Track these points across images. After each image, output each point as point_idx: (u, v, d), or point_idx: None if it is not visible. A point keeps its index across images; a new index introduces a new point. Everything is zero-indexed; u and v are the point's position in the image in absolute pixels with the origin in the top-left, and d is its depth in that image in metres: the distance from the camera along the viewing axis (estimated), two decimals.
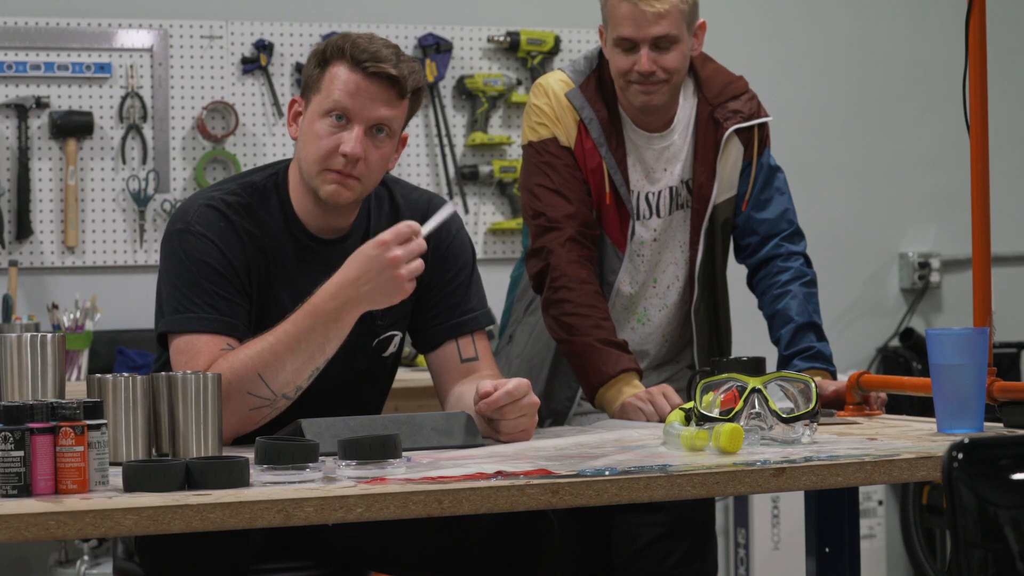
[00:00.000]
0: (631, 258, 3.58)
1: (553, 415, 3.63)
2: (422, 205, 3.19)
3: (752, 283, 3.66)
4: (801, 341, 3.52)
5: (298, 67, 5.59)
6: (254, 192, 3.10)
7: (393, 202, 3.19)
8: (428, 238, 3.03)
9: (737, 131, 3.58)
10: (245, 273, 3.04)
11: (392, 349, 3.20)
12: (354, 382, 3.15)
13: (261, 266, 3.06)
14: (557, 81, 3.59)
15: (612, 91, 3.54)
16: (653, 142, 3.57)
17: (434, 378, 3.24)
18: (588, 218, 3.52)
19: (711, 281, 3.63)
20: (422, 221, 3.01)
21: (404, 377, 5.07)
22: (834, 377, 3.50)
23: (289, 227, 3.09)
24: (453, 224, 3.21)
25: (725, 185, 3.60)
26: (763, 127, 3.63)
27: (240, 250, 3.04)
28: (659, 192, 3.58)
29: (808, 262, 3.64)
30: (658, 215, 3.58)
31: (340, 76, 3.01)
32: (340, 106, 3.00)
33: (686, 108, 3.59)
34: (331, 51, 3.04)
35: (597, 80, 3.55)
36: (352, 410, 3.03)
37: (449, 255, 3.20)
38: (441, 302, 3.20)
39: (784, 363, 3.52)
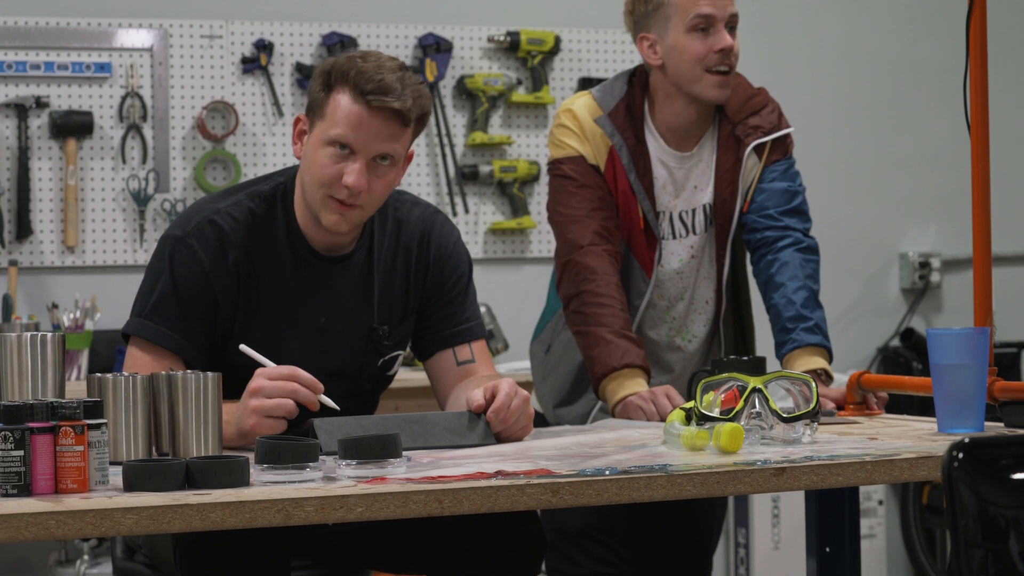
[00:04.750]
0: (657, 284, 3.58)
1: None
2: (423, 224, 3.20)
3: (751, 249, 3.64)
4: (800, 313, 3.50)
5: (298, 67, 5.59)
6: (261, 203, 3.09)
7: (395, 219, 3.19)
8: (426, 248, 3.12)
9: (754, 146, 3.60)
10: (228, 297, 3.04)
11: (396, 368, 3.23)
12: (357, 398, 3.17)
13: (251, 288, 3.06)
14: (583, 106, 3.58)
15: (640, 118, 3.56)
16: (684, 162, 3.59)
17: (432, 383, 3.26)
18: (611, 212, 3.52)
19: (737, 292, 3.65)
20: (419, 239, 3.14)
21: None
22: (830, 355, 3.49)
23: (292, 242, 3.09)
24: (452, 235, 3.23)
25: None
26: (783, 137, 3.64)
27: (225, 274, 3.04)
28: (693, 210, 3.59)
29: (807, 235, 3.62)
30: (694, 232, 3.60)
31: (343, 106, 2.98)
32: (343, 139, 2.98)
33: (711, 126, 3.61)
34: (336, 75, 2.99)
35: (626, 108, 3.55)
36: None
37: (447, 266, 3.21)
38: (438, 312, 3.21)
39: (783, 332, 3.50)
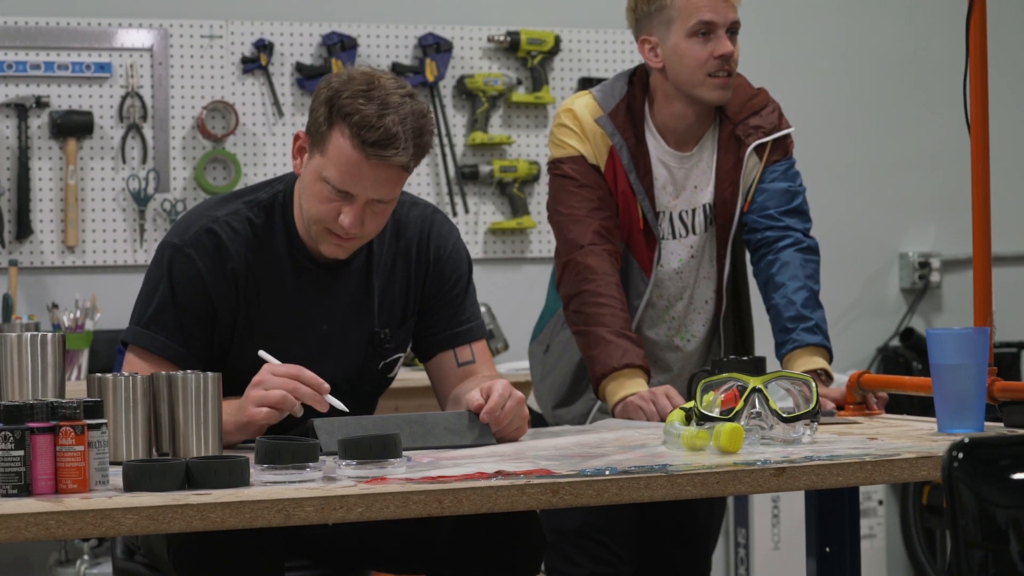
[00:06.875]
0: (656, 283, 3.58)
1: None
2: (422, 225, 3.18)
3: (751, 249, 3.64)
4: (800, 313, 3.50)
5: (298, 67, 5.59)
6: (260, 213, 3.07)
7: (394, 219, 3.16)
8: (425, 249, 3.10)
9: (755, 147, 3.60)
10: (227, 307, 3.03)
11: (396, 370, 3.22)
12: (357, 400, 3.15)
13: (251, 298, 3.05)
14: (584, 106, 3.58)
15: (641, 118, 3.56)
16: (684, 162, 3.59)
17: (433, 384, 3.26)
18: (611, 212, 3.52)
19: (737, 292, 3.65)
20: (418, 240, 3.11)
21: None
22: (830, 355, 3.49)
23: (291, 250, 3.08)
24: (451, 235, 3.21)
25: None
26: (783, 137, 3.64)
27: (223, 283, 3.03)
28: (693, 210, 3.59)
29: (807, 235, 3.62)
30: (694, 232, 3.59)
31: (343, 151, 2.92)
32: (340, 186, 2.95)
33: (711, 126, 3.61)
34: (337, 112, 2.92)
35: (627, 108, 3.55)
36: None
37: (447, 266, 3.20)
38: (438, 312, 3.20)
39: (783, 332, 3.50)
